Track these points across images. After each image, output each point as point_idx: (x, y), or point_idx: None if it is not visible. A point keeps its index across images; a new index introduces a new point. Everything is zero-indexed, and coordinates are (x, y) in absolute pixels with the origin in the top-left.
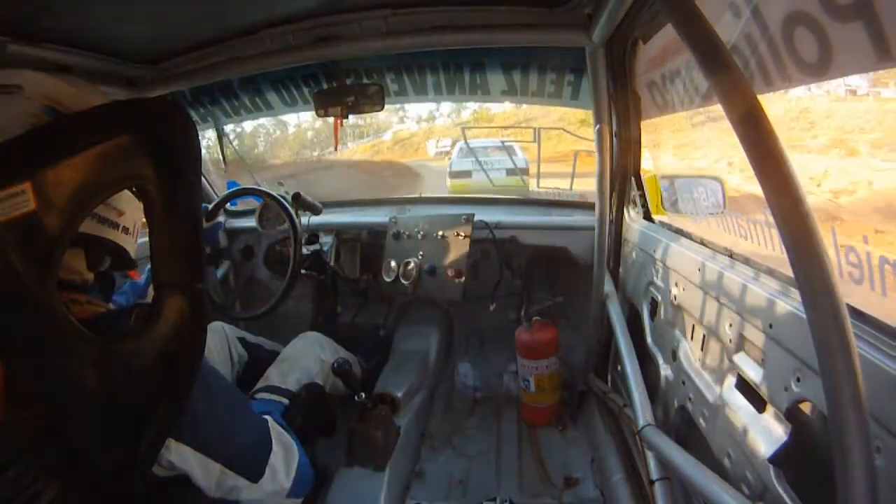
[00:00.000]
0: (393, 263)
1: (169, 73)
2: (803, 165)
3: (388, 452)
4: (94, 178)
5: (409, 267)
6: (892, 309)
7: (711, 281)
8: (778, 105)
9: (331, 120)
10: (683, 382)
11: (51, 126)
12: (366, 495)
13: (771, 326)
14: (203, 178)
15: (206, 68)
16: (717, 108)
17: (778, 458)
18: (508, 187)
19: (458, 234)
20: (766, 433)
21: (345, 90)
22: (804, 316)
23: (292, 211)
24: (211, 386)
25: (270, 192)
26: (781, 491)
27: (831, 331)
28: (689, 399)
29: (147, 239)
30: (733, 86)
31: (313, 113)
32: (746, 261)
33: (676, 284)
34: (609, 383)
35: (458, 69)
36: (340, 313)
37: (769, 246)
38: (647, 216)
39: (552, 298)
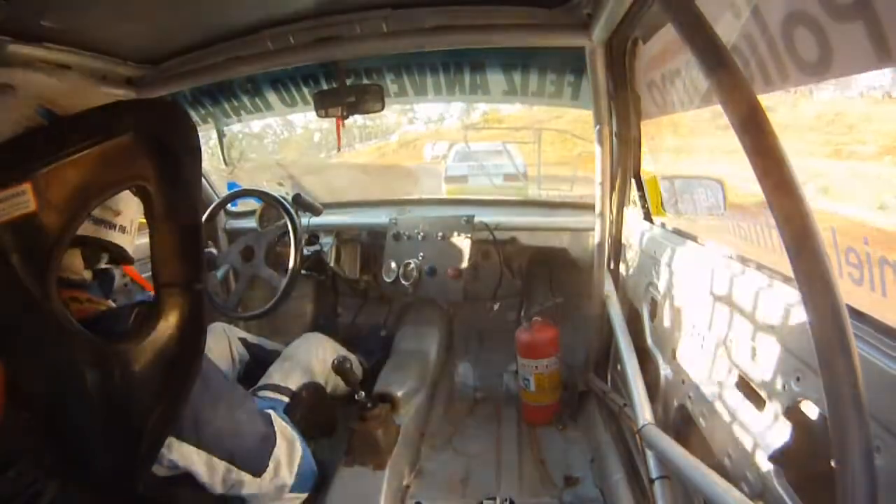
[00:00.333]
0: (393, 264)
1: (169, 73)
2: (855, 174)
3: (388, 451)
4: (94, 179)
5: (410, 268)
6: None
7: (711, 281)
8: (807, 108)
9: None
10: (683, 382)
11: (51, 126)
12: (366, 494)
13: (771, 326)
14: (203, 179)
15: (206, 68)
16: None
17: (778, 458)
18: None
19: (458, 235)
20: (765, 433)
21: (345, 90)
22: (804, 316)
23: (292, 211)
24: (212, 384)
25: (271, 192)
26: (781, 490)
27: (831, 331)
28: (689, 398)
29: (147, 239)
30: (733, 86)
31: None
32: (746, 261)
33: (676, 284)
34: (609, 383)
35: (458, 69)
36: (340, 314)
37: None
38: (648, 217)
39: (552, 299)
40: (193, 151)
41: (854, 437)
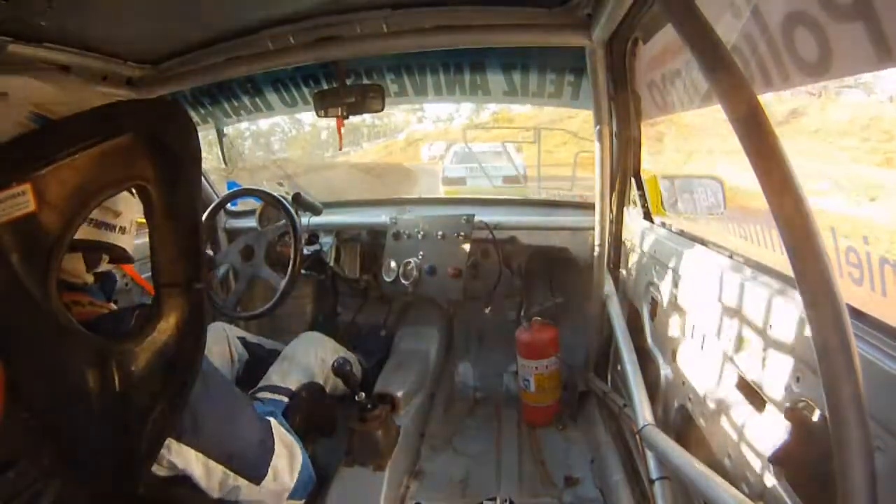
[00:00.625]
0: (393, 263)
1: (169, 73)
2: None
3: (388, 452)
4: (94, 179)
5: (410, 267)
6: None
7: (711, 281)
8: (836, 112)
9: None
10: (683, 382)
11: (51, 127)
12: (366, 495)
13: (771, 326)
14: (203, 179)
15: (206, 68)
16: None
17: (778, 458)
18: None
19: (458, 235)
20: (766, 433)
21: (345, 90)
22: (804, 316)
23: (292, 211)
24: (212, 386)
25: (270, 192)
26: (781, 491)
27: (831, 331)
28: (689, 399)
29: (147, 239)
30: (733, 86)
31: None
32: (746, 260)
33: (676, 284)
34: (609, 383)
35: (458, 69)
36: (340, 313)
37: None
38: (648, 216)
39: (552, 298)
40: (193, 151)
41: (854, 437)
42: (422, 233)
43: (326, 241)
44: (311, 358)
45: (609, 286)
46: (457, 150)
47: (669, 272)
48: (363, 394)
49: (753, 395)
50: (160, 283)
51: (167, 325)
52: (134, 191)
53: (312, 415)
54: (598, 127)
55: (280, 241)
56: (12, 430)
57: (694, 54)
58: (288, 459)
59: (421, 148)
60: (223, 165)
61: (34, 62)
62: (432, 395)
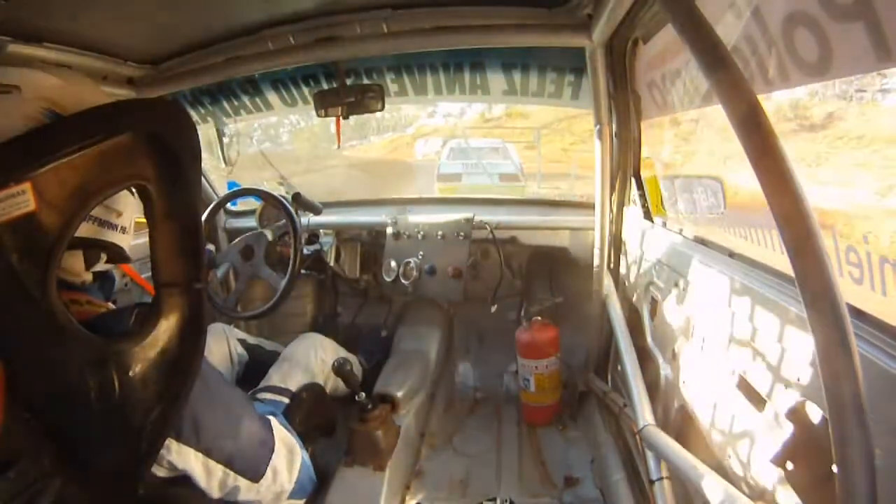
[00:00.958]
0: (393, 263)
1: (169, 73)
2: None
3: (388, 452)
4: (94, 179)
5: (410, 267)
6: None
7: (711, 280)
8: (885, 117)
9: (351, 120)
10: (683, 382)
11: (51, 126)
12: (366, 495)
13: (771, 326)
14: (203, 178)
15: (206, 68)
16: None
17: (778, 458)
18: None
19: (458, 235)
20: (766, 433)
21: (345, 90)
22: (804, 316)
23: (292, 211)
24: (212, 386)
25: (270, 192)
26: (781, 491)
27: (831, 331)
28: (689, 399)
29: (147, 239)
30: (733, 86)
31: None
32: (747, 260)
33: (676, 284)
34: (609, 383)
35: (458, 69)
36: (340, 313)
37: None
38: (648, 216)
39: (552, 298)
40: (193, 151)
41: (854, 437)
42: (422, 233)
43: (326, 240)
44: (311, 358)
45: (609, 286)
46: (453, 146)
47: (669, 272)
48: (363, 394)
49: (753, 394)
50: (160, 283)
51: (167, 325)
52: (134, 190)
53: (312, 415)
54: (598, 127)
55: (280, 240)
56: (12, 430)
57: (694, 54)
58: (288, 460)
59: (416, 144)
60: (223, 165)
61: (34, 62)
62: (432, 395)
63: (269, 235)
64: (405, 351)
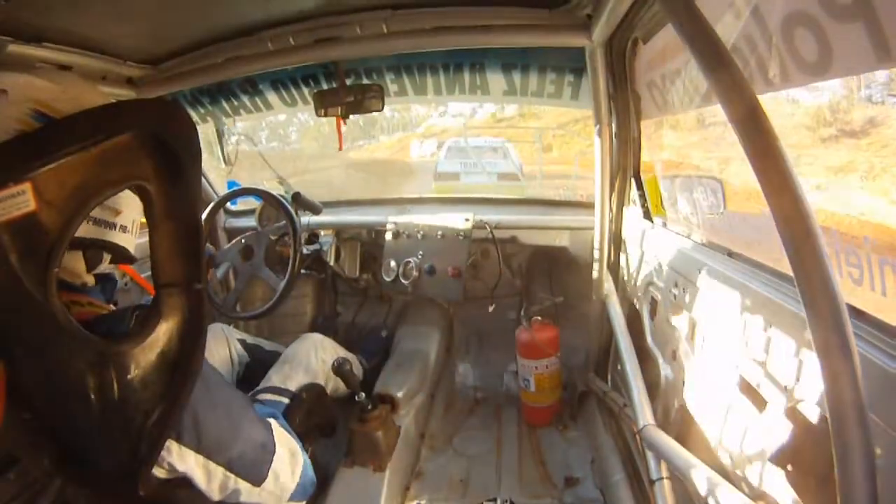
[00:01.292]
0: (393, 263)
1: (169, 73)
2: None
3: (388, 453)
4: (94, 178)
5: (409, 266)
6: None
7: (711, 280)
8: None
9: (360, 121)
10: (683, 382)
11: (51, 126)
12: (366, 495)
13: (771, 326)
14: (203, 178)
15: (206, 68)
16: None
17: (778, 458)
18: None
19: (458, 234)
20: (766, 433)
21: (344, 90)
22: (804, 316)
23: (292, 210)
24: (213, 388)
25: (270, 191)
26: (781, 491)
27: (831, 331)
28: (689, 399)
29: (147, 239)
30: (733, 86)
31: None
32: (746, 260)
33: (676, 284)
34: (609, 383)
35: (458, 69)
36: (340, 313)
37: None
38: (647, 216)
39: (552, 298)
40: (193, 151)
41: (854, 437)
42: (422, 232)
43: (326, 240)
44: (311, 359)
45: (609, 286)
46: (451, 145)
47: (669, 272)
48: (363, 394)
49: (754, 394)
50: (160, 283)
51: (167, 326)
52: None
53: (313, 416)
54: (597, 126)
55: (280, 240)
56: (12, 430)
57: (694, 54)
58: (289, 462)
59: (411, 144)
60: (223, 165)
61: (34, 62)
62: (432, 395)
63: (269, 235)
64: (405, 351)
